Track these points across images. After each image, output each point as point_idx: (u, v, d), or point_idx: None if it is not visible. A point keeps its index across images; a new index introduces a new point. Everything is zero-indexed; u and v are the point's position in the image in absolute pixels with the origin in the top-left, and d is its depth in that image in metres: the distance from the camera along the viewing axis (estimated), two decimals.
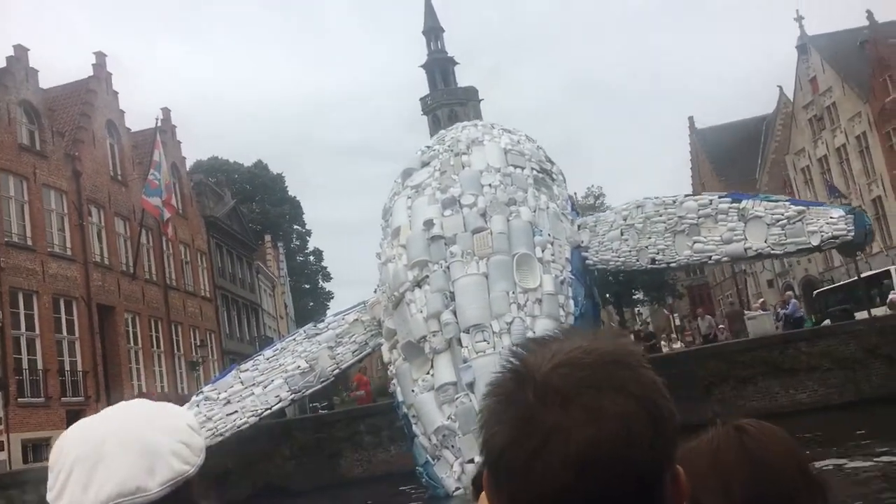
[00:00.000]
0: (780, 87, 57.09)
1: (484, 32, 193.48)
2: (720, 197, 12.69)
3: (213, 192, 39.19)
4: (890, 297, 25.29)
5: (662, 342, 30.15)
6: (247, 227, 42.68)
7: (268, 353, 15.08)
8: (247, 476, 19.85)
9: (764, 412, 18.55)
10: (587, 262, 14.10)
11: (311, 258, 61.46)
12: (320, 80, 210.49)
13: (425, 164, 15.33)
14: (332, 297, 61.96)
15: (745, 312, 25.42)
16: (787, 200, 12.70)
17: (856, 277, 29.01)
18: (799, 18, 49.61)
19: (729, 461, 1.28)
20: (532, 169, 14.79)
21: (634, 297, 50.64)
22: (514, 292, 12.72)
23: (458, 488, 11.93)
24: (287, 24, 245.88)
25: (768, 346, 19.20)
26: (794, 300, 24.71)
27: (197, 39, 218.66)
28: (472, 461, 11.89)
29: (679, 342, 34.47)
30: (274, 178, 57.15)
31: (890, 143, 42.03)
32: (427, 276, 13.35)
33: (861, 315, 22.08)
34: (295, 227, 59.28)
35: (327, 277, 62.47)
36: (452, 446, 12.24)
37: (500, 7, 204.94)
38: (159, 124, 29.29)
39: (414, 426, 13.02)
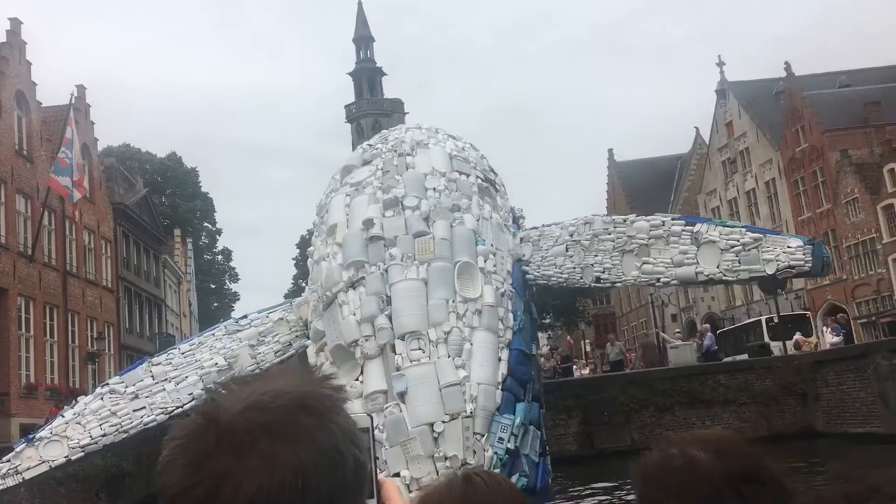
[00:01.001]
0: (697, 129, 59.18)
1: (414, 48, 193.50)
2: (673, 219, 12.56)
3: (124, 179, 37.29)
4: (795, 338, 26.10)
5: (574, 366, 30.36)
6: (157, 219, 40.79)
7: (184, 346, 14.07)
8: (142, 478, 18.69)
9: None
10: (527, 276, 13.77)
11: (220, 257, 59.60)
12: (242, 77, 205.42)
13: (367, 163, 14.73)
14: (238, 299, 60.63)
15: (669, 341, 25.73)
16: (743, 227, 12.68)
17: (754, 319, 29.87)
18: (720, 64, 51.47)
19: None
20: (477, 177, 14.43)
21: (545, 321, 50.91)
22: (453, 301, 12.24)
23: None
24: (211, 19, 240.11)
25: (689, 376, 19.42)
26: (710, 333, 25.17)
27: (119, 22, 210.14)
28: (398, 475, 11.32)
29: (587, 368, 34.89)
30: (188, 171, 55.08)
31: (797, 191, 43.83)
32: (363, 278, 12.73)
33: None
34: (205, 224, 57.32)
35: (234, 278, 60.92)
36: (377, 458, 11.58)
37: (431, 25, 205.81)
38: (74, 101, 27.66)
39: None
